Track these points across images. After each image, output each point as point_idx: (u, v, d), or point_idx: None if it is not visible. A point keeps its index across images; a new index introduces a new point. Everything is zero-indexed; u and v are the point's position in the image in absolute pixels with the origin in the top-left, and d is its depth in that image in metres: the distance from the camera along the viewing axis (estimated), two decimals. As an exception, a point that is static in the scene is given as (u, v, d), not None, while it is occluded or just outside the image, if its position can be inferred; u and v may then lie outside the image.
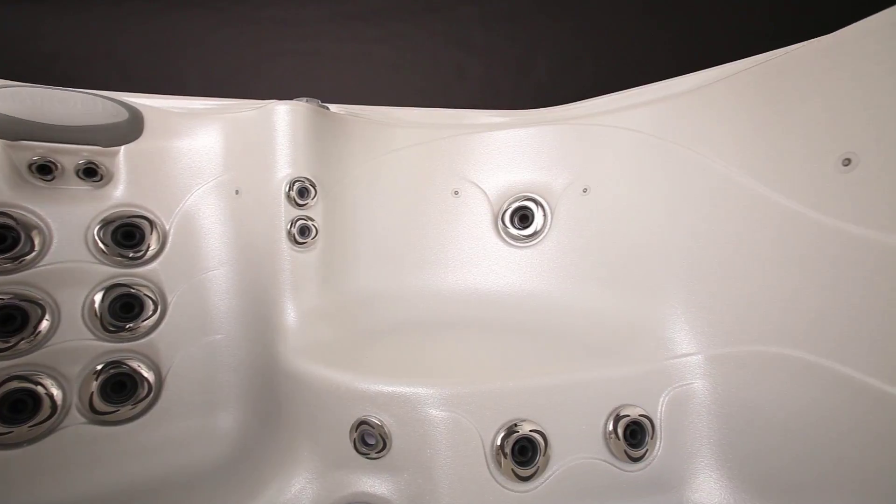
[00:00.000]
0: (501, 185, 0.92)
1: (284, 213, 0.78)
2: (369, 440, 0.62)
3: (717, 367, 0.65)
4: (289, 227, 0.78)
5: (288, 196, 0.78)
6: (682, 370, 0.66)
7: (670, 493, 0.63)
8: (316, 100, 0.86)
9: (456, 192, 0.93)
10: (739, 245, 0.64)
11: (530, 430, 0.60)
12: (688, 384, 0.66)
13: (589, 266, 0.83)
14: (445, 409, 0.59)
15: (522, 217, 0.90)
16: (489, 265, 0.91)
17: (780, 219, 0.59)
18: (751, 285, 0.62)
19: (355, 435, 0.62)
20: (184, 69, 1.36)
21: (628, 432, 0.63)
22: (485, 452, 0.59)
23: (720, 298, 0.66)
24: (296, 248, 0.78)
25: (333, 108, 0.92)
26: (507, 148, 0.92)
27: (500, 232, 0.91)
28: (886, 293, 0.50)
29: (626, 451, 0.62)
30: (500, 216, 0.91)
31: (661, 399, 0.65)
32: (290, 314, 0.76)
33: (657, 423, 0.64)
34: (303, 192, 0.79)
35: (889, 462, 0.49)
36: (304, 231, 0.79)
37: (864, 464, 0.50)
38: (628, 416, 0.63)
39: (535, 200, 0.89)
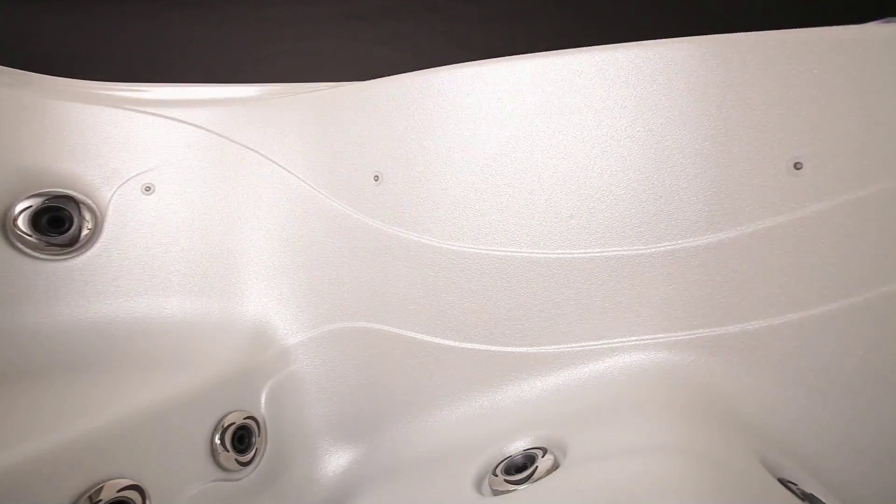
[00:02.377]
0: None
1: None
2: None
3: (308, 349, 0.73)
4: None
5: None
6: (277, 361, 0.72)
7: (293, 476, 0.69)
8: None
9: None
10: (313, 243, 0.74)
11: (119, 492, 0.48)
12: (285, 371, 0.72)
13: (161, 275, 0.74)
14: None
15: (54, 221, 0.71)
16: None
17: (339, 220, 0.73)
18: (327, 276, 0.73)
19: None
20: (184, 68, 1.38)
21: (236, 439, 0.61)
22: None
23: (303, 290, 0.75)
24: None
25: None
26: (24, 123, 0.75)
27: (11, 238, 0.69)
28: (406, 273, 0.69)
29: (236, 460, 0.61)
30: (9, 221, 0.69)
31: (263, 394, 0.69)
32: None
33: (261, 419, 0.66)
34: None
35: (428, 383, 0.68)
36: None
37: (420, 387, 0.69)
38: (233, 423, 0.62)
39: (73, 199, 0.72)
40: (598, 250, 0.61)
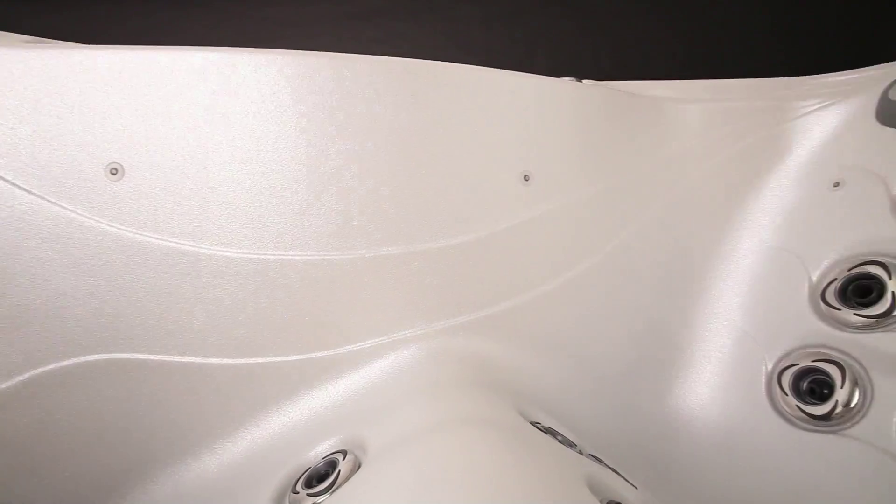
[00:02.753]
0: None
1: None
2: None
3: (10, 405, 0.53)
4: None
5: None
6: None
7: None
8: None
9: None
10: (10, 258, 0.54)
11: None
12: None
13: None
14: None
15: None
16: None
17: (57, 225, 0.54)
18: (39, 301, 0.54)
19: None
20: None
21: None
22: None
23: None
24: None
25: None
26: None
27: None
28: (159, 287, 0.56)
29: None
30: None
31: None
32: None
33: None
34: None
35: (199, 413, 0.57)
36: None
37: (189, 419, 0.58)
38: None
39: None
40: (366, 251, 0.61)
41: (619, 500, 0.43)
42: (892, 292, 0.58)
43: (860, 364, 0.59)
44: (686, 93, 0.78)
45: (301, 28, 1.40)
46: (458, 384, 0.59)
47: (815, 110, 0.71)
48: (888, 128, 0.63)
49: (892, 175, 0.62)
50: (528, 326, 0.69)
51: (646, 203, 0.73)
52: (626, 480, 0.51)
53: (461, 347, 0.64)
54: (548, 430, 0.55)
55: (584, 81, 0.78)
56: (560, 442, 0.53)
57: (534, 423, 0.55)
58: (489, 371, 0.64)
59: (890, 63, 0.70)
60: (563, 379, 0.69)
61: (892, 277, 0.59)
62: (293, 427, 0.57)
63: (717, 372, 0.69)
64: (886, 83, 0.65)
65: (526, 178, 0.69)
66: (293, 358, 0.59)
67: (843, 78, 0.74)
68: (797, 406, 0.61)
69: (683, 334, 0.72)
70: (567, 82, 0.75)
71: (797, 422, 0.61)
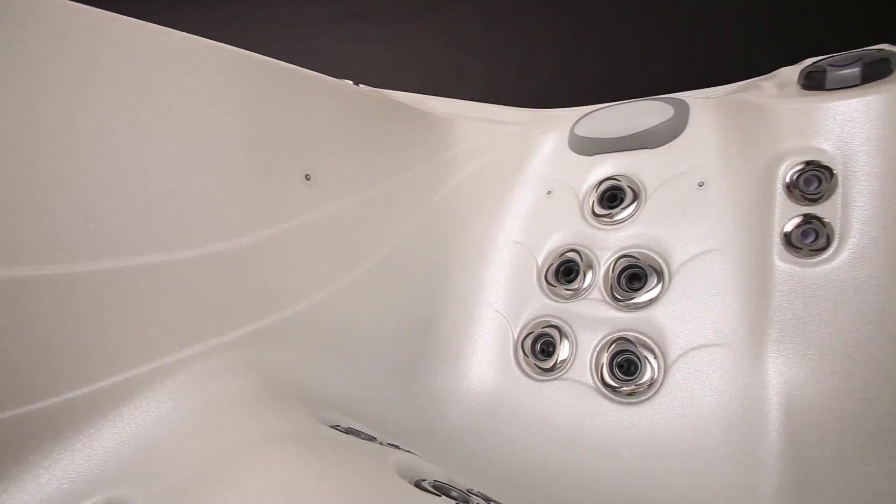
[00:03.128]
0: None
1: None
2: None
3: None
4: None
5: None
6: None
7: None
8: None
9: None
10: None
11: None
12: None
13: None
14: None
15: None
16: None
17: None
18: None
19: None
20: None
21: None
22: None
23: None
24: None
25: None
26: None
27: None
28: None
29: None
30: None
31: None
32: None
33: None
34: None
35: None
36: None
37: None
38: None
39: None
40: (120, 261, 0.52)
41: (423, 478, 0.49)
42: (583, 272, 0.82)
43: (569, 325, 0.81)
44: (455, 108, 0.91)
45: (301, 28, 1.37)
46: (246, 402, 0.55)
47: (539, 135, 0.92)
48: (574, 153, 0.88)
49: (579, 186, 0.86)
50: (315, 330, 0.69)
51: (418, 205, 0.83)
52: (422, 459, 0.58)
53: (246, 361, 0.60)
54: (349, 431, 0.56)
55: (361, 86, 0.83)
56: (362, 439, 0.57)
57: (334, 427, 0.55)
58: (280, 382, 0.62)
59: (577, 108, 0.97)
60: (355, 376, 0.72)
61: (583, 260, 0.82)
62: (49, 496, 0.45)
63: (482, 350, 0.84)
64: (573, 121, 0.90)
65: (307, 177, 0.69)
66: (40, 405, 0.47)
67: (563, 113, 0.98)
68: (534, 364, 0.80)
69: (454, 321, 0.85)
70: (345, 84, 0.78)
71: (535, 376, 0.79)
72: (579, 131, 0.87)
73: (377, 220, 0.77)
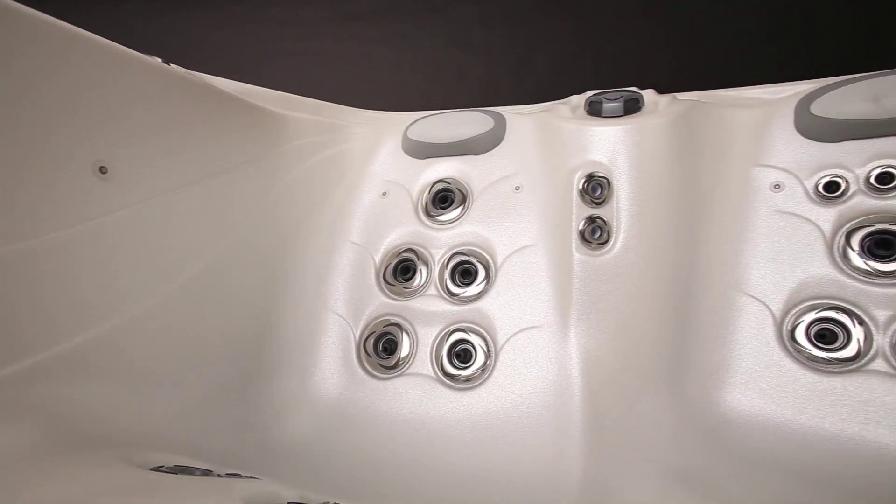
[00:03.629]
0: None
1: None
2: None
3: None
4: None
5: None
6: None
7: None
8: None
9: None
10: None
11: None
12: None
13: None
14: None
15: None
16: None
17: None
18: None
19: None
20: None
21: None
22: None
23: None
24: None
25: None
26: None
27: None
28: None
29: None
30: None
31: None
32: None
33: None
34: None
35: None
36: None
37: None
38: None
39: None
40: None
41: (280, 502, 0.45)
42: (420, 270, 0.86)
43: (408, 321, 0.84)
44: (286, 103, 0.84)
45: (301, 28, 1.37)
46: (29, 458, 0.45)
47: (374, 136, 0.92)
48: (407, 156, 0.92)
49: (413, 188, 0.90)
50: (122, 356, 0.59)
51: (247, 206, 0.74)
52: (269, 482, 0.53)
53: (30, 402, 0.49)
54: (177, 469, 0.50)
55: (173, 66, 0.70)
56: (197, 476, 0.49)
57: (157, 469, 0.48)
58: (77, 425, 0.51)
59: (401, 112, 1.00)
60: (177, 404, 0.63)
61: (419, 258, 0.86)
62: None
63: (324, 355, 0.81)
64: (407, 125, 0.94)
65: (102, 169, 0.56)
66: None
67: (399, 116, 0.99)
68: (378, 364, 0.80)
69: (294, 328, 0.80)
70: (153, 61, 0.65)
71: (379, 375, 0.80)
72: (412, 135, 0.91)
73: (197, 222, 0.67)
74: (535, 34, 1.45)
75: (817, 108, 0.73)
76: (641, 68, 1.40)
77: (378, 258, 0.87)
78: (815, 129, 0.73)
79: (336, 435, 0.74)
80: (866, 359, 0.65)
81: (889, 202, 0.68)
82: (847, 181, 0.71)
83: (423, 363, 0.81)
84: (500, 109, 0.90)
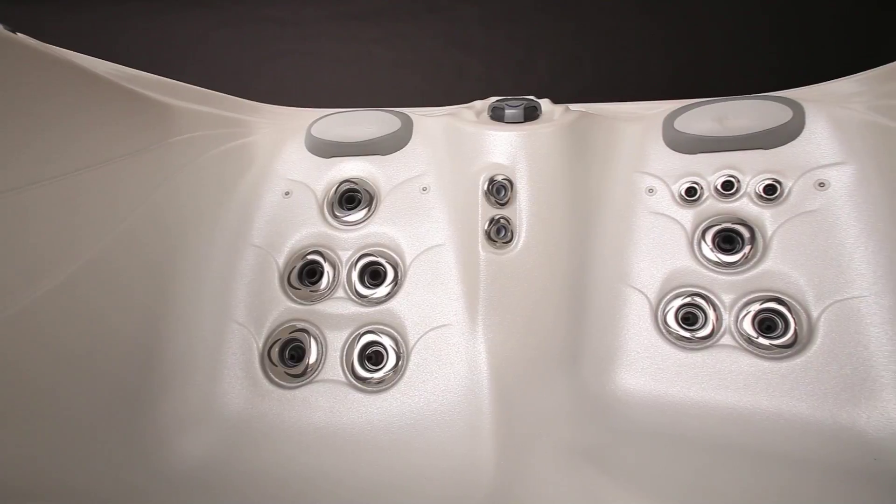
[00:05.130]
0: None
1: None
2: None
3: None
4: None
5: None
6: None
7: None
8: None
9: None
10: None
11: None
12: None
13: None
14: None
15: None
16: None
17: None
18: None
19: None
20: (184, 69, 1.21)
21: None
22: None
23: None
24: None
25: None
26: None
27: None
28: None
29: None
30: None
31: None
32: None
33: None
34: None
35: None
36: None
37: None
38: None
39: None
40: None
41: None
42: (327, 272, 0.83)
43: (316, 326, 0.80)
44: (174, 92, 0.74)
45: (301, 28, 1.38)
46: None
47: (275, 133, 0.87)
48: (311, 154, 0.88)
49: (317, 187, 0.87)
50: None
51: (130, 203, 0.65)
52: None
53: None
54: None
55: (20, 35, 0.58)
56: None
57: None
58: None
59: (311, 109, 0.96)
60: (41, 442, 0.53)
61: (326, 261, 0.83)
62: None
63: (223, 368, 0.74)
64: (311, 122, 0.89)
65: None
66: None
67: (302, 113, 0.93)
68: (284, 373, 0.76)
69: (187, 341, 0.72)
70: None
71: (286, 384, 0.75)
72: (316, 133, 0.87)
73: (62, 222, 0.56)
74: (535, 34, 1.45)
75: (679, 124, 0.85)
76: (642, 68, 1.42)
77: (282, 261, 0.82)
78: (678, 142, 0.85)
79: (239, 454, 0.68)
80: (717, 336, 0.78)
81: (731, 205, 0.82)
82: (702, 187, 0.83)
83: (332, 368, 0.78)
84: (406, 110, 0.90)
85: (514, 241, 0.81)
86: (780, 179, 0.80)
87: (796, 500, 0.59)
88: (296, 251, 0.83)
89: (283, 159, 0.87)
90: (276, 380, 0.77)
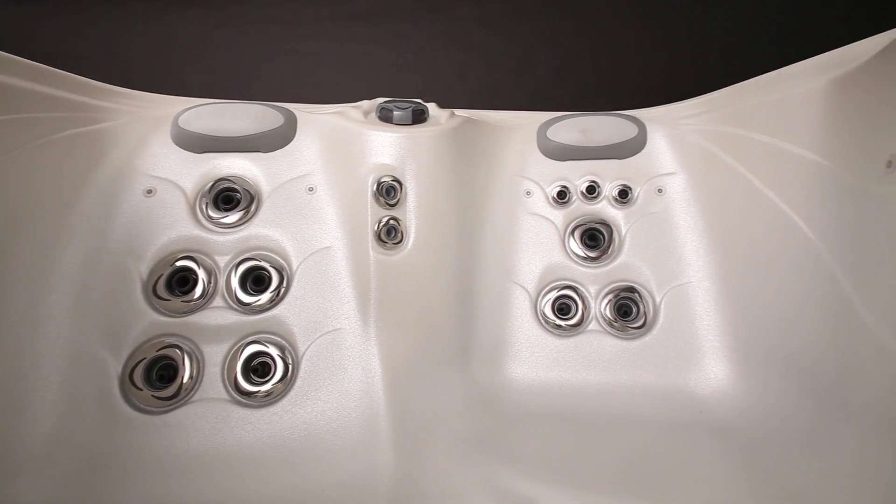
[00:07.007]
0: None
1: None
2: None
3: None
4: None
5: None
6: None
7: None
8: None
9: None
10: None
11: None
12: None
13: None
14: None
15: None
16: None
17: None
18: None
19: None
20: (184, 69, 1.33)
21: None
22: None
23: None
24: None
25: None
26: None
27: None
28: None
29: None
30: None
31: None
32: None
33: None
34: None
35: None
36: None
37: None
38: None
39: None
40: None
41: None
42: (202, 280, 0.75)
43: (191, 340, 0.72)
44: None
45: (301, 28, 1.38)
46: None
47: (133, 122, 0.75)
48: (179, 148, 0.78)
49: (188, 186, 0.78)
50: None
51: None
52: None
53: None
54: None
55: None
56: None
57: None
58: None
59: (185, 99, 0.85)
60: None
61: (201, 267, 0.75)
62: None
63: (71, 395, 0.62)
64: (178, 112, 0.80)
65: None
66: None
67: (167, 99, 0.82)
68: (152, 396, 0.67)
69: (13, 370, 0.59)
70: None
71: (155, 409, 0.67)
72: (184, 124, 0.78)
73: None
74: (535, 34, 1.46)
75: (550, 133, 0.94)
76: (642, 68, 1.44)
77: (145, 269, 0.72)
78: (550, 149, 0.94)
79: (98, 494, 0.58)
80: (586, 322, 0.88)
81: (594, 207, 0.94)
82: (570, 191, 0.93)
83: (212, 385, 0.71)
84: (290, 106, 0.85)
85: (404, 241, 0.82)
86: (631, 185, 0.93)
87: (651, 452, 0.70)
88: (163, 257, 0.74)
89: (144, 152, 0.76)
90: (142, 405, 0.67)
